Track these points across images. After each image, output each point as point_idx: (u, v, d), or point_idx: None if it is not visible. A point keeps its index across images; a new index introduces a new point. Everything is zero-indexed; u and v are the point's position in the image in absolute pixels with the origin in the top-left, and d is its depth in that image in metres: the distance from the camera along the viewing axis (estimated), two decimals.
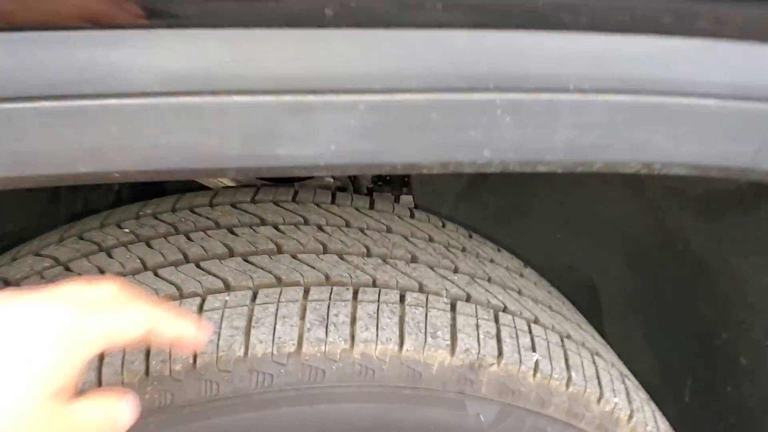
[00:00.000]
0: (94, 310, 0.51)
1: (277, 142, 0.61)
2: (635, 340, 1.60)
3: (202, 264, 0.89)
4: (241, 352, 0.78)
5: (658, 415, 1.07)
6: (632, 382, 1.08)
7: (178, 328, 0.60)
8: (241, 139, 0.60)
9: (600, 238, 1.52)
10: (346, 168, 0.64)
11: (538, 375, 0.89)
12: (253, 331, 0.80)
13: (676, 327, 1.49)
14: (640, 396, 1.05)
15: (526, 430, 0.89)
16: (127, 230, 0.98)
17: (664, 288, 1.49)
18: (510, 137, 0.65)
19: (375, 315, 0.85)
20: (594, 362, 0.99)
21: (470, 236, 1.20)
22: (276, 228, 0.98)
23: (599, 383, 0.95)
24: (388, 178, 1.72)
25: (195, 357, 0.77)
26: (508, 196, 1.56)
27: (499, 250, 1.22)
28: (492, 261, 1.12)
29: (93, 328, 0.51)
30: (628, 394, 1.00)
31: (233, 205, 1.04)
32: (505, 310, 0.96)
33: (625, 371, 1.10)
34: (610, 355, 1.11)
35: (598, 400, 0.93)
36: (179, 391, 0.77)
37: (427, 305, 0.89)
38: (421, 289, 0.92)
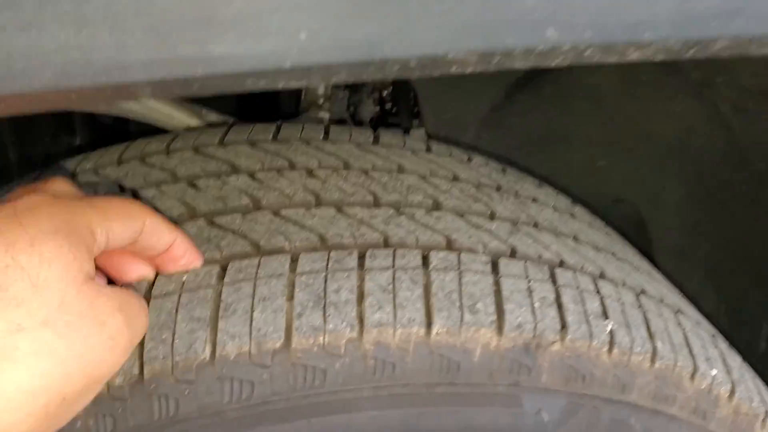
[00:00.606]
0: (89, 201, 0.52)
1: (210, 34, 0.37)
2: (695, 281, 1.36)
3: None
4: (207, 354, 0.55)
5: (761, 383, 0.84)
6: (724, 344, 0.85)
7: (173, 235, 0.58)
8: (148, 34, 0.36)
9: (651, 162, 1.27)
10: (327, 71, 0.39)
11: (615, 350, 0.66)
12: (221, 323, 0.57)
13: (745, 263, 1.26)
14: (737, 361, 0.82)
15: (603, 424, 0.66)
16: None
17: (730, 218, 1.25)
18: (590, 4, 0.41)
19: (390, 287, 0.62)
20: (680, 324, 0.76)
21: (504, 171, 0.95)
22: (252, 177, 0.74)
23: (690, 352, 0.72)
24: (392, 108, 1.47)
25: (142, 366, 0.55)
26: (539, 119, 1.32)
27: (540, 185, 0.98)
28: (535, 200, 0.88)
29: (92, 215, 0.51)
30: (724, 362, 0.77)
31: (196, 150, 0.80)
32: (562, 264, 0.72)
33: (711, 329, 0.87)
34: (691, 309, 0.88)
35: (692, 376, 0.70)
36: (123, 414, 0.54)
37: (459, 267, 0.66)
38: (449, 245, 0.68)
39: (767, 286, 1.23)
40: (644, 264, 0.93)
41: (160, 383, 0.55)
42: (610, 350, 0.65)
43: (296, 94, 1.41)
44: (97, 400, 0.54)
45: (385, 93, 1.46)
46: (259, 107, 1.31)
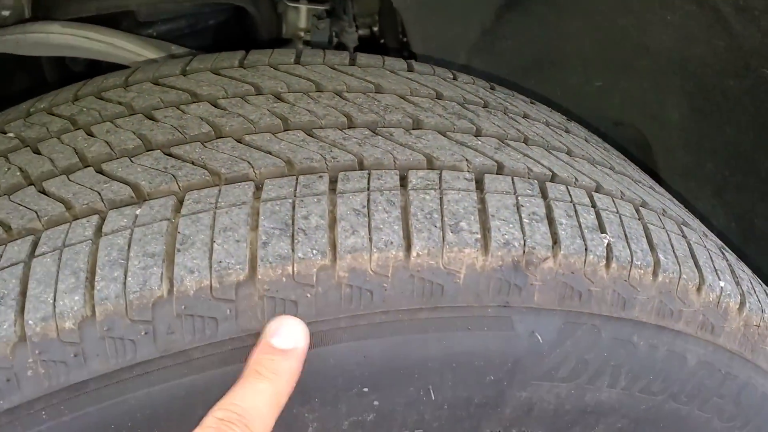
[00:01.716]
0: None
1: None
2: (704, 200, 1.31)
3: (104, 167, 0.61)
4: (163, 290, 0.51)
5: None
6: (732, 256, 0.80)
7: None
8: None
9: (651, 79, 1.21)
10: None
11: (613, 264, 0.61)
12: (178, 257, 0.52)
13: (752, 177, 1.20)
14: (746, 273, 0.77)
15: (603, 345, 0.62)
16: (11, 134, 0.69)
17: (735, 131, 1.18)
18: None
19: (365, 210, 0.56)
20: (684, 236, 0.71)
21: (493, 88, 0.89)
22: (214, 105, 0.68)
23: (696, 264, 0.67)
24: (379, 38, 1.40)
25: (93, 307, 0.50)
26: (531, 41, 1.25)
27: (532, 103, 0.92)
28: (526, 117, 0.82)
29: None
30: (733, 273, 0.72)
31: (156, 82, 0.74)
32: (553, 179, 0.67)
33: (719, 242, 0.82)
34: (697, 223, 0.82)
35: (699, 288, 0.65)
36: (76, 360, 0.50)
37: (441, 186, 0.60)
38: (430, 164, 0.63)
39: None
40: (646, 178, 0.88)
41: (115, 324, 0.50)
42: (607, 265, 0.60)
43: (277, 27, 1.34)
44: (47, 346, 0.49)
45: (370, 21, 1.39)
46: (238, 43, 1.25)
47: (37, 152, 0.65)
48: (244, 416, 0.46)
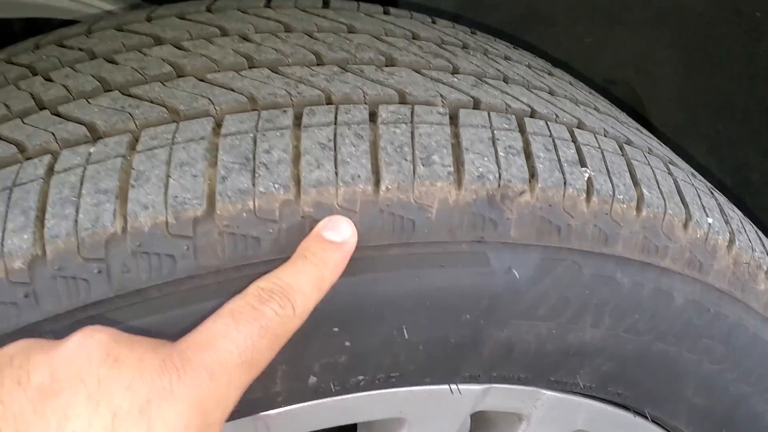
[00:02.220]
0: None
1: None
2: (698, 157, 1.28)
3: (60, 109, 0.58)
4: (117, 227, 0.48)
5: (764, 236, 0.76)
6: (722, 196, 0.77)
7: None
8: None
9: (641, 32, 1.18)
10: None
11: (594, 198, 0.58)
12: (132, 193, 0.50)
13: (745, 131, 1.17)
14: (736, 213, 0.74)
15: (585, 281, 0.59)
16: None
17: (728, 83, 1.16)
18: None
19: (331, 143, 0.54)
20: (671, 173, 0.68)
21: (473, 33, 0.86)
22: (177, 47, 0.66)
23: (683, 200, 0.65)
24: None
25: (43, 245, 0.48)
26: None
27: (515, 48, 0.89)
28: (507, 58, 0.79)
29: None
30: (722, 212, 0.69)
31: (119, 29, 0.71)
32: (533, 114, 0.64)
33: (709, 184, 0.80)
34: (685, 164, 0.80)
35: (685, 224, 0.63)
36: (27, 301, 0.48)
37: (412, 120, 0.58)
38: (402, 99, 0.60)
39: None
40: (632, 122, 0.85)
41: (66, 263, 0.48)
42: (588, 199, 0.58)
43: None
44: None
45: None
46: None
47: None
48: (287, 290, 0.47)
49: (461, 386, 0.63)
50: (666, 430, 0.76)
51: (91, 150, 0.53)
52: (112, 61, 0.64)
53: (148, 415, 0.40)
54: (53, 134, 0.54)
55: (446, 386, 0.62)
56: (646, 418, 0.72)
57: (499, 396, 0.66)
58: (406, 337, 0.56)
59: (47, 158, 0.53)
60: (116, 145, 0.53)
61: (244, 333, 0.45)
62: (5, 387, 0.40)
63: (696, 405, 0.71)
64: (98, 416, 0.39)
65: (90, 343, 0.42)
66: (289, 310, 0.47)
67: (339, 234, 0.50)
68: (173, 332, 0.49)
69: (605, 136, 0.67)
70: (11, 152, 0.54)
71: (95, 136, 0.54)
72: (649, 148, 0.72)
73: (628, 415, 0.72)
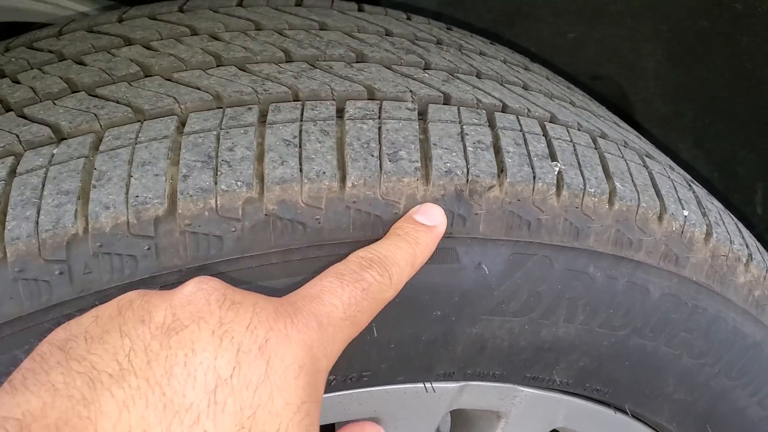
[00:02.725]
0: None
1: None
2: (685, 151, 1.28)
3: (26, 110, 0.58)
4: (78, 228, 0.48)
5: (743, 228, 0.76)
6: (701, 189, 0.76)
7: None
8: None
9: (625, 27, 1.17)
10: None
11: (564, 192, 0.58)
12: (94, 193, 0.49)
13: (732, 124, 1.17)
14: (715, 205, 0.74)
15: (557, 275, 0.59)
16: None
17: (711, 75, 1.15)
18: None
19: (296, 140, 0.53)
20: (646, 166, 0.68)
21: (449, 29, 0.86)
22: (146, 47, 0.65)
23: (657, 193, 0.64)
24: None
25: (3, 248, 0.47)
26: None
27: (492, 44, 0.89)
28: (482, 54, 0.79)
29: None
30: (699, 204, 0.69)
31: (90, 30, 0.71)
32: (504, 109, 0.64)
33: (688, 176, 0.79)
34: (664, 157, 0.79)
35: (660, 217, 0.62)
36: None
37: (380, 116, 0.57)
38: (371, 95, 0.60)
39: (756, 147, 1.15)
40: (610, 115, 0.84)
41: (27, 266, 0.47)
42: (558, 192, 0.58)
43: None
44: None
45: None
46: None
47: None
48: (384, 261, 0.49)
49: (436, 384, 0.62)
50: (649, 426, 0.75)
51: (54, 151, 0.52)
52: (81, 63, 0.64)
53: (267, 353, 0.41)
54: (17, 136, 0.54)
55: (421, 385, 0.62)
56: (627, 414, 0.72)
57: (475, 394, 0.65)
58: (376, 335, 0.55)
59: (9, 160, 0.52)
60: (79, 145, 0.52)
61: (348, 291, 0.47)
62: (129, 325, 0.41)
63: (678, 400, 0.71)
64: (223, 350, 0.41)
65: (206, 287, 0.44)
66: (387, 278, 0.49)
67: (430, 219, 0.53)
68: None
69: (578, 129, 0.67)
70: None
71: (59, 137, 0.54)
72: (625, 141, 0.71)
73: (608, 412, 0.71)
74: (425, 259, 0.52)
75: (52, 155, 0.52)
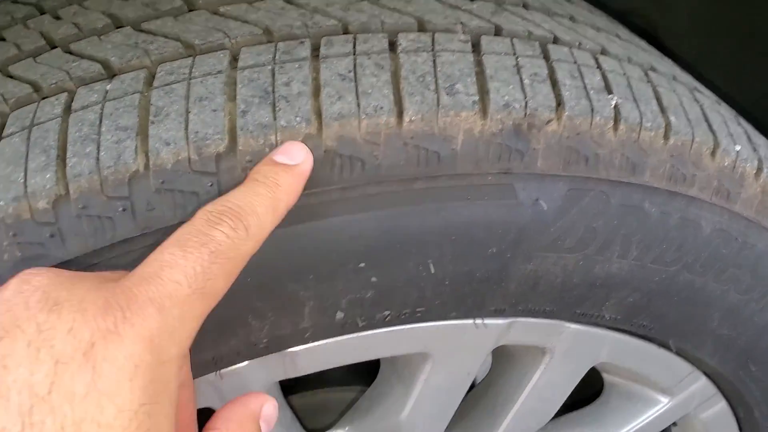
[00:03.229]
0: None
1: None
2: (717, 89, 1.25)
3: (72, 47, 0.56)
4: (139, 164, 0.48)
5: None
6: (748, 125, 0.75)
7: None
8: None
9: None
10: None
11: (622, 126, 0.57)
12: (152, 129, 0.49)
13: (766, 59, 1.14)
14: (763, 140, 0.73)
15: (612, 212, 0.58)
16: None
17: (746, 8, 1.12)
18: None
19: (351, 74, 0.52)
20: (696, 100, 0.66)
21: None
22: None
23: (710, 128, 0.63)
24: None
25: (66, 185, 0.47)
26: None
27: None
28: None
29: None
30: (749, 139, 0.68)
31: None
32: (556, 41, 0.62)
33: (734, 111, 0.78)
34: (709, 92, 0.78)
35: (713, 152, 0.61)
36: (54, 242, 0.47)
37: (434, 48, 0.56)
38: (422, 27, 0.58)
39: None
40: (653, 49, 0.82)
41: (90, 202, 0.47)
42: (615, 126, 0.57)
43: None
44: (22, 228, 0.47)
45: None
46: None
47: (2, 39, 0.61)
48: (237, 211, 0.44)
49: (486, 320, 0.63)
50: (690, 361, 0.76)
51: (108, 87, 0.51)
52: None
53: (93, 359, 0.37)
54: (67, 72, 0.53)
55: (471, 321, 0.62)
56: (670, 349, 0.72)
57: (523, 330, 0.65)
58: (432, 272, 0.55)
59: (63, 97, 0.51)
60: (133, 81, 0.51)
61: (192, 260, 0.41)
62: None
63: (721, 336, 0.71)
64: (40, 363, 0.36)
65: (27, 288, 0.39)
66: (242, 231, 0.44)
67: (291, 157, 0.48)
68: None
69: (629, 62, 0.65)
70: (26, 92, 0.52)
71: (110, 73, 0.53)
72: (674, 75, 0.70)
73: (651, 347, 0.72)
74: (290, 201, 0.48)
75: (106, 91, 0.51)
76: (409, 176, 0.52)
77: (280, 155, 0.48)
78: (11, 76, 0.55)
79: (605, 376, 0.83)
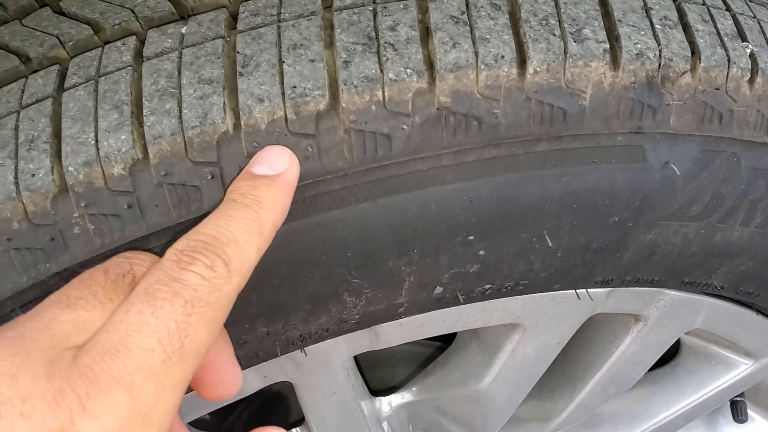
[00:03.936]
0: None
1: None
2: None
3: None
4: (228, 125, 0.41)
5: None
6: None
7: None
8: None
9: None
10: None
11: (759, 78, 0.50)
12: (241, 83, 0.41)
13: None
14: None
15: (742, 176, 0.52)
16: None
17: None
18: None
19: (465, 16, 0.45)
20: None
21: None
22: None
23: None
24: None
25: (144, 147, 0.41)
26: None
27: None
28: None
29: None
30: None
31: None
32: None
33: None
34: None
35: None
36: (130, 213, 0.41)
37: None
38: None
39: None
40: None
41: (173, 168, 0.40)
42: (751, 79, 0.49)
43: None
44: (94, 198, 0.40)
45: None
46: None
47: None
48: (213, 244, 0.36)
49: (589, 290, 0.57)
50: None
51: (183, 30, 0.44)
52: None
53: None
54: (132, 11, 0.45)
55: (572, 291, 0.57)
56: (766, 315, 0.68)
57: (621, 298, 0.60)
58: (549, 244, 0.49)
59: (132, 41, 0.44)
60: (212, 23, 0.44)
61: (165, 316, 0.33)
62: None
63: None
64: None
65: None
66: (221, 268, 0.35)
67: (272, 167, 0.40)
68: (294, 244, 0.42)
69: (754, 2, 0.58)
70: (86, 34, 0.45)
71: (183, 11, 0.45)
72: None
73: (749, 313, 0.67)
74: (278, 220, 0.39)
75: (182, 35, 0.44)
76: (530, 137, 0.45)
77: (258, 166, 0.40)
78: (64, 14, 0.48)
79: (684, 337, 0.78)
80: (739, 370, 0.77)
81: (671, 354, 0.83)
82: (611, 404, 0.82)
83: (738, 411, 0.86)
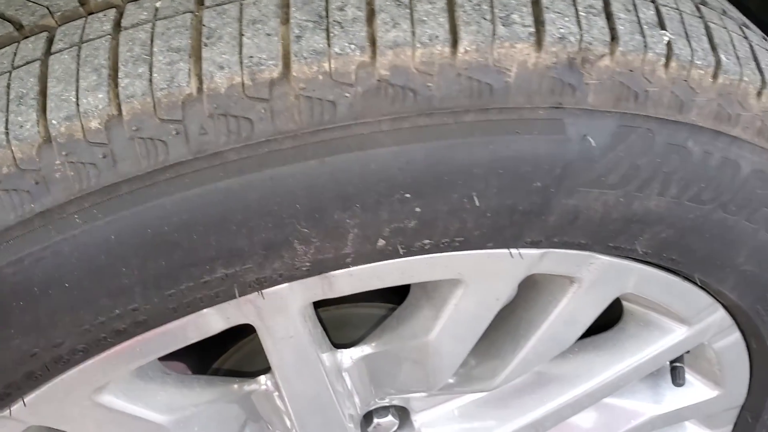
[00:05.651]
0: None
1: None
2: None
3: None
4: (192, 88, 0.47)
5: None
6: None
7: None
8: None
9: None
10: None
11: (673, 63, 0.56)
12: (205, 52, 0.48)
13: None
14: None
15: (657, 150, 0.58)
16: None
17: None
18: None
19: (406, 2, 0.51)
20: (746, 37, 0.65)
21: None
22: None
23: (758, 67, 0.62)
24: None
25: (119, 105, 0.47)
26: None
27: None
28: None
29: None
30: None
31: None
32: None
33: None
34: (756, 28, 0.76)
35: (759, 92, 0.61)
36: (106, 161, 0.48)
37: None
38: None
39: None
40: None
41: (143, 124, 0.47)
42: (666, 64, 0.56)
43: None
44: (74, 147, 0.47)
45: None
46: None
47: None
48: None
49: (521, 251, 0.63)
50: (710, 293, 0.77)
51: (157, 5, 0.50)
52: None
53: None
54: None
55: (506, 250, 0.63)
56: (694, 283, 0.74)
57: (555, 260, 0.66)
58: (477, 204, 0.56)
59: (112, 12, 0.50)
60: (183, 0, 0.50)
61: None
62: None
63: (745, 271, 0.72)
64: None
65: None
66: None
67: None
68: (251, 197, 0.49)
69: None
70: (73, 5, 0.51)
71: None
72: (724, 10, 0.68)
73: (676, 279, 0.73)
74: None
75: (156, 9, 0.50)
76: (460, 108, 0.52)
77: None
78: None
79: (625, 304, 0.85)
80: (675, 335, 0.84)
81: (615, 320, 0.89)
82: (558, 366, 0.88)
83: (676, 375, 0.92)
